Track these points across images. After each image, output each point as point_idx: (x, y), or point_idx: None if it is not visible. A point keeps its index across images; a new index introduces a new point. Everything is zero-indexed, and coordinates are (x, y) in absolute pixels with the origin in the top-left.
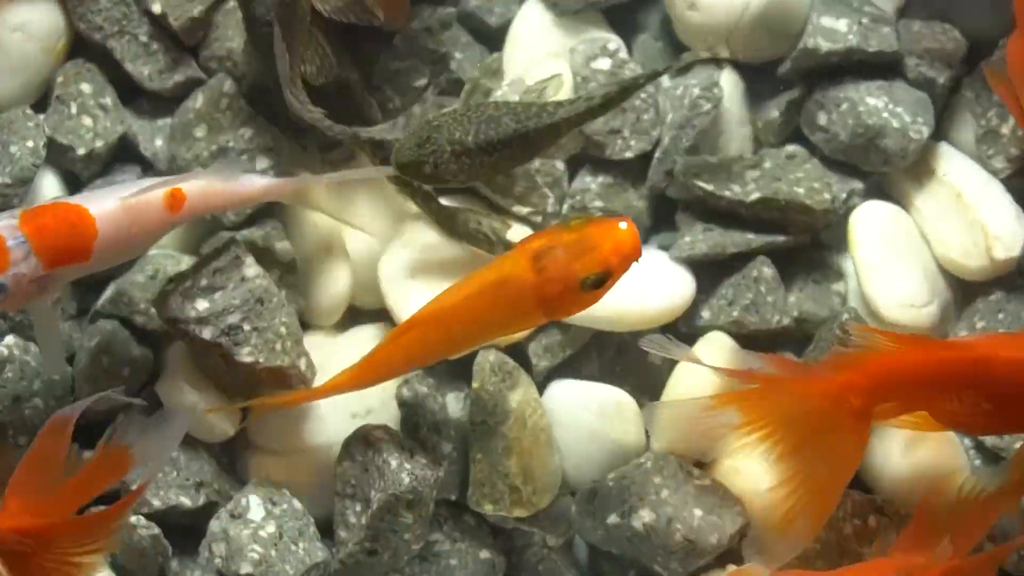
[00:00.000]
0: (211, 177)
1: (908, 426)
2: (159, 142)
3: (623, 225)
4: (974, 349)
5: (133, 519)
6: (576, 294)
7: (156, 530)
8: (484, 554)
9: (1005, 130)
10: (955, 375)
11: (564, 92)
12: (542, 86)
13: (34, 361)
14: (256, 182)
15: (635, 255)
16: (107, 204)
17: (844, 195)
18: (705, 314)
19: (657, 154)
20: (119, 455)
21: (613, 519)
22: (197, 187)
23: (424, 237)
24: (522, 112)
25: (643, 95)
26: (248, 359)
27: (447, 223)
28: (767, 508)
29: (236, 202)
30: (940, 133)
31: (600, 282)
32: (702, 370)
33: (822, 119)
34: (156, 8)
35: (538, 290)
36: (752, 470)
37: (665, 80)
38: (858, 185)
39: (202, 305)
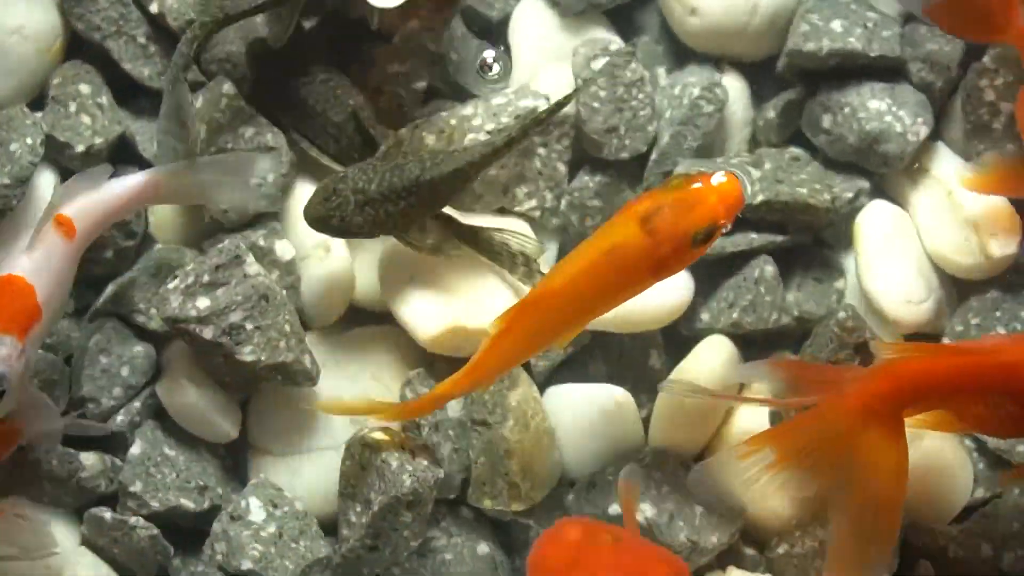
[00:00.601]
0: (82, 192)
1: (927, 426)
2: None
3: (725, 177)
4: (1002, 353)
5: (132, 520)
6: (688, 251)
7: (155, 531)
8: (483, 548)
9: (997, 125)
10: (982, 379)
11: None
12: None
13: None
14: (129, 180)
15: (740, 205)
16: (21, 261)
17: (851, 195)
18: (704, 316)
19: (654, 155)
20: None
21: (615, 509)
22: (77, 207)
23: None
24: (428, 159)
25: (640, 95)
26: (250, 358)
27: (468, 238)
28: (837, 540)
29: (121, 206)
30: (935, 133)
31: (710, 235)
32: (703, 369)
33: (826, 121)
34: (154, 8)
35: (651, 252)
36: (772, 491)
37: (662, 79)
38: (865, 185)
39: (203, 303)
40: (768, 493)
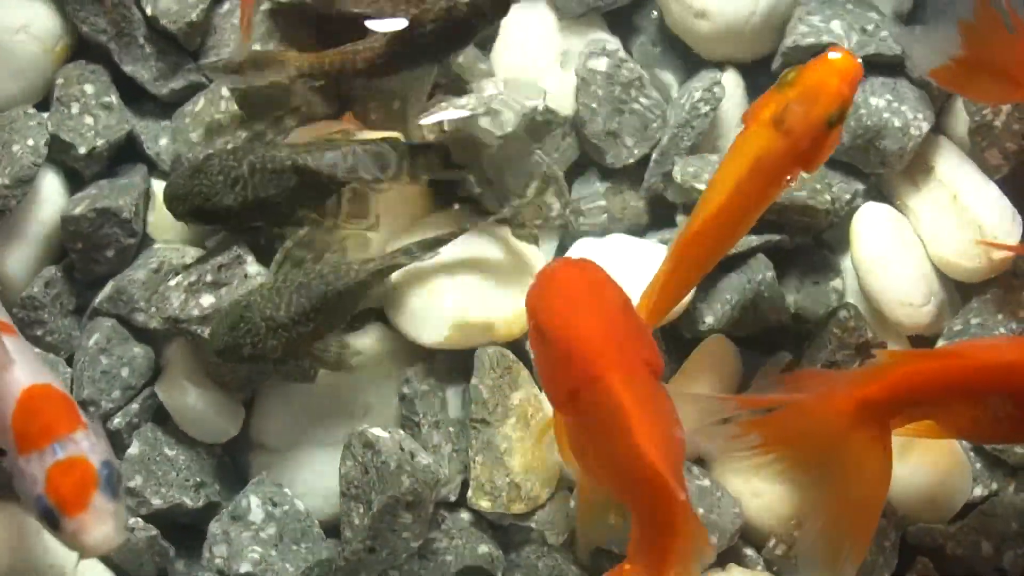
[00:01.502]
0: None
1: (912, 434)
2: (164, 141)
3: (835, 54)
4: (999, 355)
5: (132, 520)
6: (826, 136)
7: (154, 531)
8: (482, 549)
9: (998, 123)
10: (979, 382)
11: (564, 97)
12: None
13: None
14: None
15: (859, 73)
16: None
17: (847, 196)
18: (708, 319)
19: (655, 156)
20: None
21: (615, 518)
22: None
23: (424, 235)
24: (330, 274)
25: (642, 99)
26: None
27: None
28: (811, 535)
29: None
30: (938, 124)
31: (842, 114)
32: (702, 375)
33: None
34: (149, 11)
35: (793, 150)
36: (748, 471)
37: (673, 89)
38: (860, 187)
39: (206, 302)
40: (740, 469)
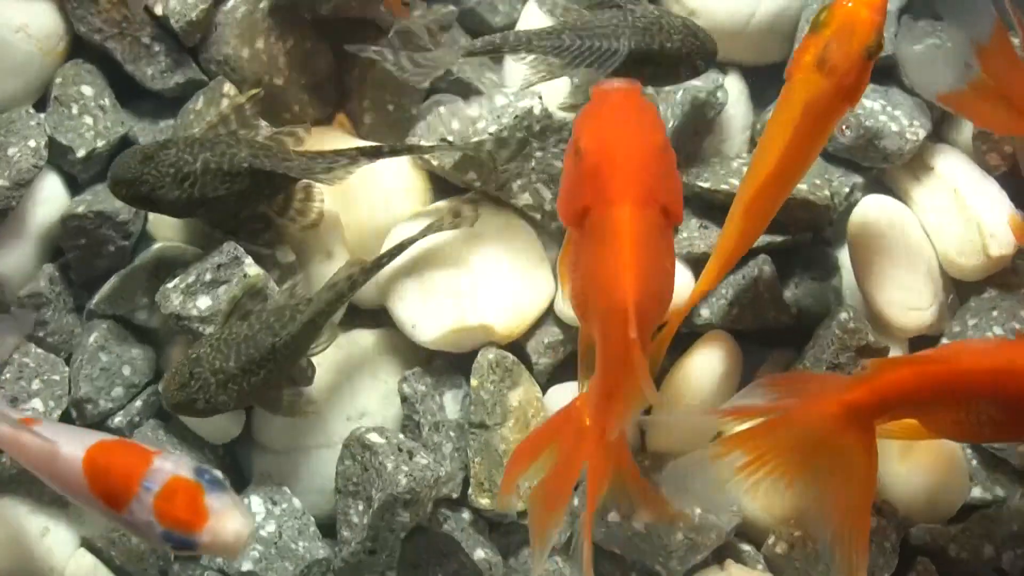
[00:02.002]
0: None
1: (895, 436)
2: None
3: None
4: (986, 359)
5: None
6: (866, 69)
7: None
8: (479, 554)
9: None
10: (965, 386)
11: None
12: None
13: (32, 362)
14: None
15: (886, 2)
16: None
17: (847, 190)
18: (704, 312)
19: None
20: None
21: (614, 517)
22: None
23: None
24: (275, 322)
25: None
26: None
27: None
28: (825, 543)
29: None
30: (938, 131)
31: (879, 43)
32: (702, 370)
33: None
34: (158, 10)
35: (839, 88)
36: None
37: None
38: (858, 180)
39: (204, 302)
40: (738, 496)
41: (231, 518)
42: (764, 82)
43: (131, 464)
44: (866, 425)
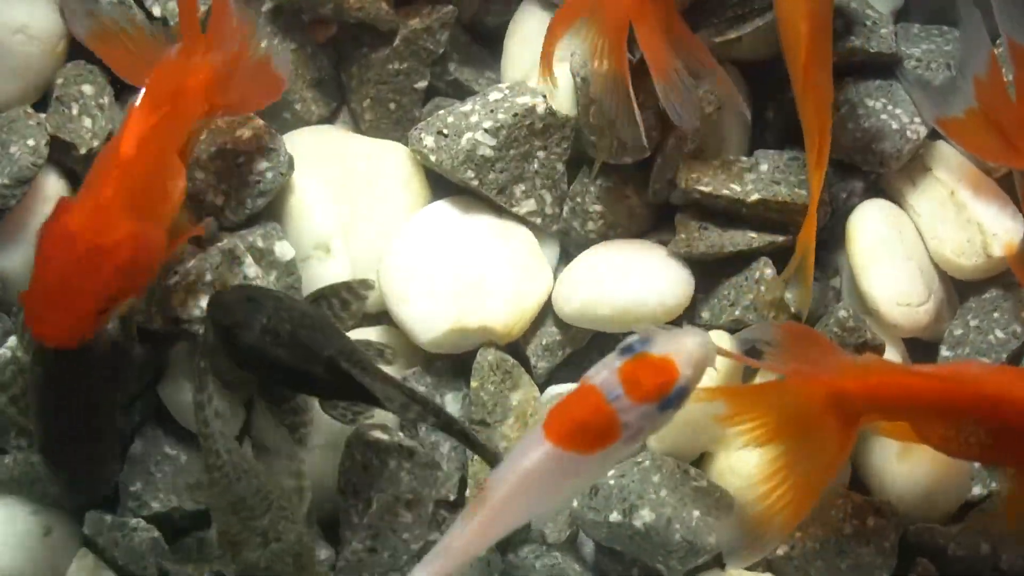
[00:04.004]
0: None
1: (887, 434)
2: None
3: None
4: (982, 384)
5: (133, 522)
6: None
7: (155, 533)
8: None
9: None
10: (960, 407)
11: (564, 97)
12: None
13: None
14: None
15: None
16: None
17: (844, 195)
18: (705, 314)
19: (658, 160)
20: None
21: (615, 517)
22: None
23: (426, 233)
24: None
25: (641, 96)
26: None
27: None
28: (747, 503)
29: None
30: (935, 132)
31: None
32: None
33: None
34: (156, 11)
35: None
36: (747, 471)
37: None
38: (858, 184)
39: (205, 303)
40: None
41: (683, 346)
42: (760, 78)
43: (580, 404)
44: (850, 418)
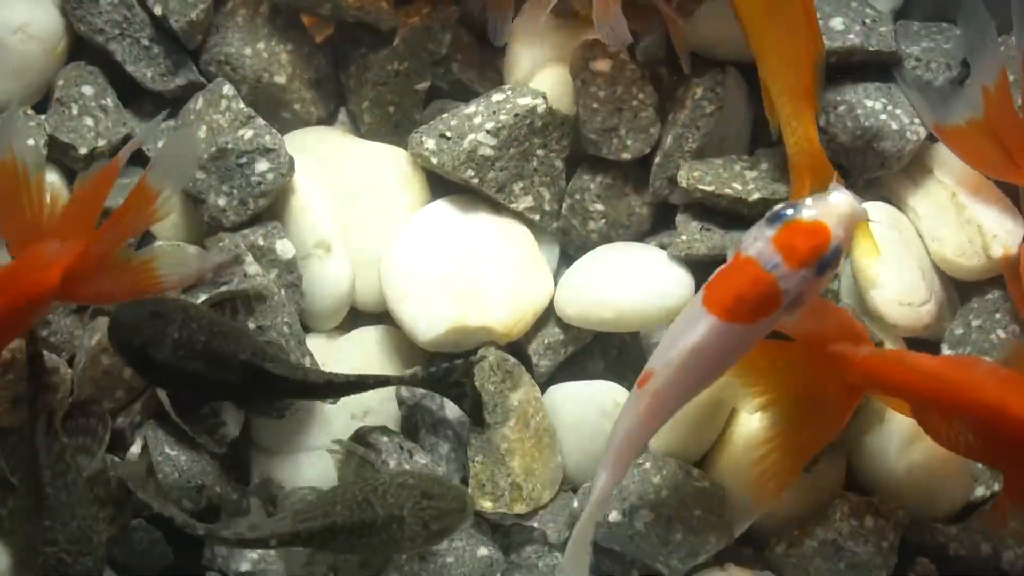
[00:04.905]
0: None
1: (892, 405)
2: (163, 143)
3: None
4: (986, 392)
5: (134, 522)
6: None
7: (156, 533)
8: (482, 551)
9: None
10: (958, 406)
11: (564, 98)
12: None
13: None
14: None
15: None
16: None
17: None
18: None
19: (657, 159)
20: (142, 193)
21: (615, 517)
22: None
23: (426, 233)
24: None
25: (640, 95)
26: None
27: None
28: (744, 464)
29: None
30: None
31: None
32: None
33: (821, 120)
34: (157, 10)
35: None
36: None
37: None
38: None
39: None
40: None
41: (832, 207)
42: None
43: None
44: (851, 390)
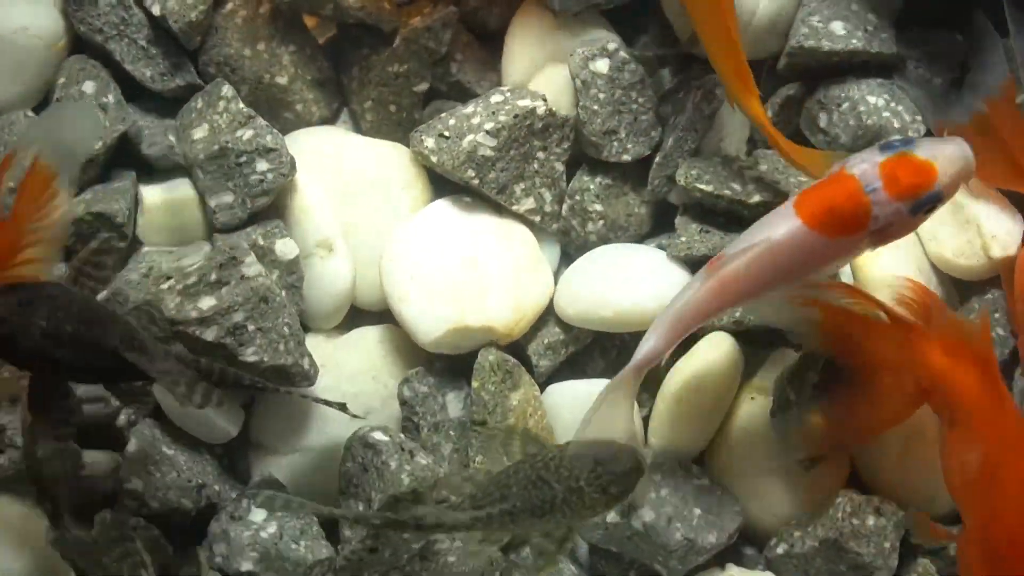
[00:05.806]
0: None
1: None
2: (172, 137)
3: None
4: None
5: (132, 520)
6: None
7: (155, 531)
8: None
9: None
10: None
11: (564, 99)
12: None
13: None
14: None
15: None
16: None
17: None
18: None
19: (657, 159)
20: (40, 173)
21: (613, 517)
22: None
23: (427, 233)
24: None
25: (641, 98)
26: (252, 359)
27: None
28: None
29: None
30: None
31: None
32: (704, 371)
33: (823, 121)
34: (156, 11)
35: None
36: (749, 471)
37: (667, 82)
38: None
39: (206, 303)
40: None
41: (947, 153)
42: (760, 77)
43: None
44: (919, 386)
